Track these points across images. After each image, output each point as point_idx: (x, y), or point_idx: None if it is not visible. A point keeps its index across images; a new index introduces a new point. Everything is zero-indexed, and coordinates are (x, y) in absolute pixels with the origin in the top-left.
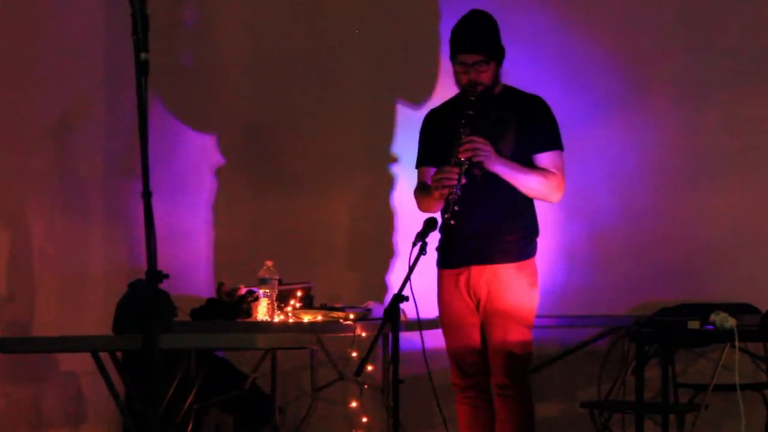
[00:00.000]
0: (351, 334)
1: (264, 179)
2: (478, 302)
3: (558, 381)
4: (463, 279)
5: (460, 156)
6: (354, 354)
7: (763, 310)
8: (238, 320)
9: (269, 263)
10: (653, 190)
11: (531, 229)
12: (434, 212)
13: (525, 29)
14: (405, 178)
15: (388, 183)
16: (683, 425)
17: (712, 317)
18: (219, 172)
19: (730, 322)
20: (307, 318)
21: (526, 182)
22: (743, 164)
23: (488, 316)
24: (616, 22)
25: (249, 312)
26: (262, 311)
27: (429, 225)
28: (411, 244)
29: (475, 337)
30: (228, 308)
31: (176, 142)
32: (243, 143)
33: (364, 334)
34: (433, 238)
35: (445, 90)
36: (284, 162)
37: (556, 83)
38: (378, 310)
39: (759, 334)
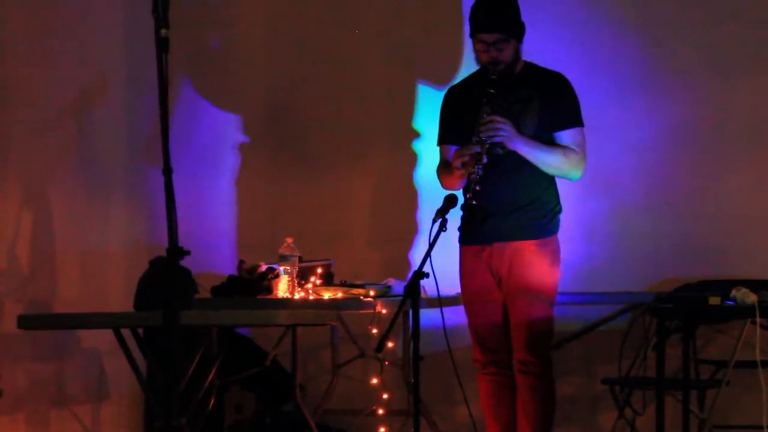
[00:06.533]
0: (371, 311)
1: (286, 157)
2: (500, 279)
3: (579, 357)
4: (485, 256)
5: (481, 136)
6: (374, 331)
7: None
8: (259, 297)
9: (289, 240)
10: (674, 167)
11: (553, 206)
12: (457, 190)
13: (547, 7)
14: (428, 155)
15: (410, 160)
16: (704, 401)
17: (733, 293)
18: (241, 150)
19: (751, 298)
20: (327, 295)
21: (547, 160)
22: (765, 140)
23: (510, 293)
24: None
25: (269, 289)
26: (282, 288)
27: (449, 201)
28: (431, 221)
29: (497, 314)
30: (249, 285)
31: (198, 119)
32: (265, 121)
33: (384, 311)
34: (455, 216)
35: (469, 69)
36: (306, 140)
37: (578, 60)
38: (398, 287)
39: None
